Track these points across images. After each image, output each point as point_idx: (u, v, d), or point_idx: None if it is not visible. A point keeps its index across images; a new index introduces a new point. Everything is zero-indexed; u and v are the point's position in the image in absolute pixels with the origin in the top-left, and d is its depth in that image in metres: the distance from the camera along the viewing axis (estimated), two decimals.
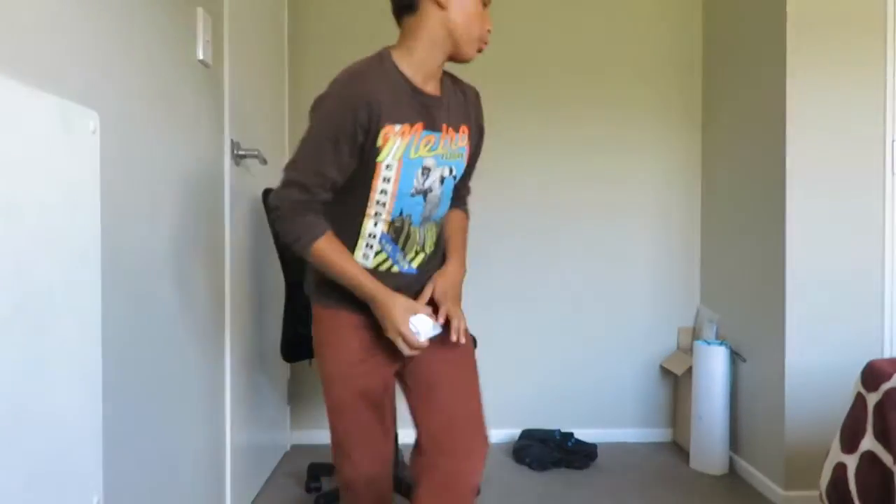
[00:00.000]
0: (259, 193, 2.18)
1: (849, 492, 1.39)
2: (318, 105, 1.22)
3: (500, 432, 2.76)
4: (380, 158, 1.22)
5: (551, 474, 2.46)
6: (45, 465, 0.92)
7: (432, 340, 1.26)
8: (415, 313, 1.25)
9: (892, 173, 2.11)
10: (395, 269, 1.32)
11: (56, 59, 1.02)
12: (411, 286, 1.33)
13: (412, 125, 1.23)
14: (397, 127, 1.21)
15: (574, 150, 2.81)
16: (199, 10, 1.64)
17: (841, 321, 2.12)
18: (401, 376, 1.38)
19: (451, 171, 1.33)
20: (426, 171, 1.28)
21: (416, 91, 1.25)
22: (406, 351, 1.23)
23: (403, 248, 1.32)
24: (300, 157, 1.23)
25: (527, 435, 2.64)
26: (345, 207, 1.28)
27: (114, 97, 1.21)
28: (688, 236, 2.86)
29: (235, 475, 1.94)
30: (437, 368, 1.33)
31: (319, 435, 2.78)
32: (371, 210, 1.27)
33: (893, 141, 2.10)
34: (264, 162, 2.07)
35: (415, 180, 1.27)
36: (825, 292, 2.12)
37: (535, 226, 2.82)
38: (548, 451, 2.52)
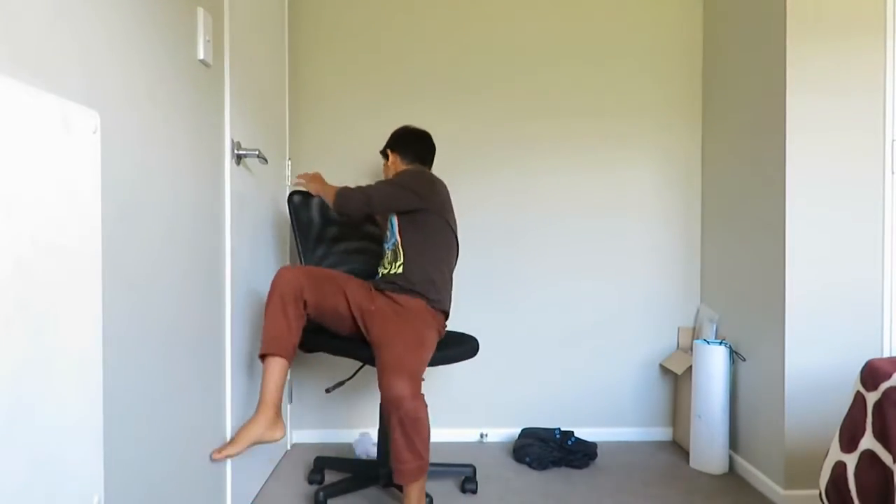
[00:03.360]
0: (260, 193, 2.18)
1: (848, 491, 1.39)
2: None
3: (501, 431, 2.76)
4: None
5: (551, 473, 2.46)
6: (45, 464, 0.92)
7: None
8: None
9: (892, 173, 2.11)
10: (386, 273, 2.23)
11: (56, 58, 1.02)
12: (390, 282, 2.16)
13: None
14: None
15: (574, 150, 2.82)
16: (200, 10, 1.64)
17: (841, 321, 2.12)
18: (369, 339, 2.02)
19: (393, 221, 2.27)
20: (391, 224, 2.23)
21: None
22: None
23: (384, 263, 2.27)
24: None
25: (527, 434, 2.64)
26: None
27: (114, 97, 1.21)
28: (688, 236, 2.86)
29: (236, 474, 1.94)
30: (380, 332, 1.98)
31: (320, 434, 2.79)
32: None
33: (893, 141, 2.10)
34: (265, 161, 2.08)
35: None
36: (825, 292, 2.12)
37: (535, 225, 2.82)
38: (548, 450, 2.52)
